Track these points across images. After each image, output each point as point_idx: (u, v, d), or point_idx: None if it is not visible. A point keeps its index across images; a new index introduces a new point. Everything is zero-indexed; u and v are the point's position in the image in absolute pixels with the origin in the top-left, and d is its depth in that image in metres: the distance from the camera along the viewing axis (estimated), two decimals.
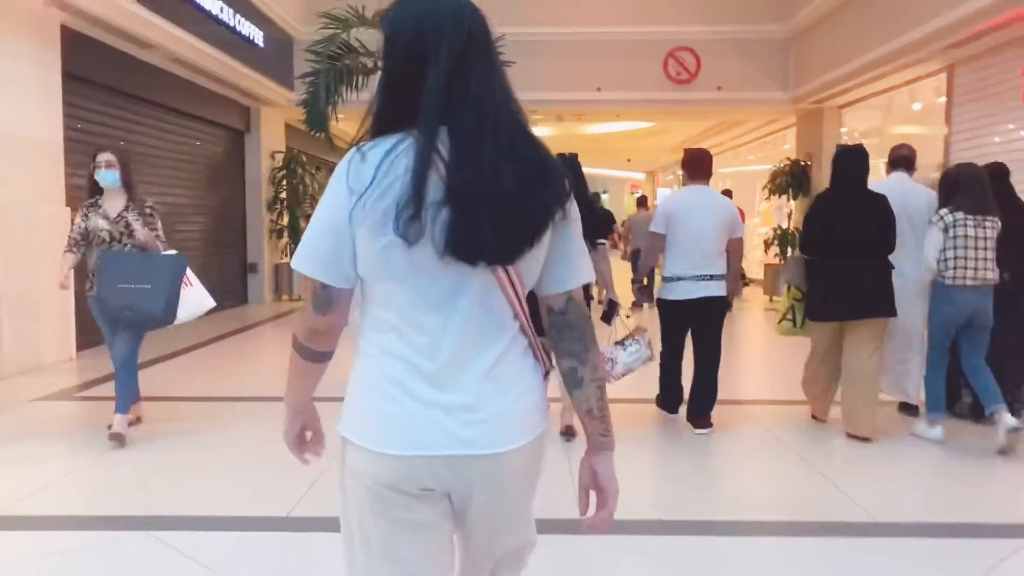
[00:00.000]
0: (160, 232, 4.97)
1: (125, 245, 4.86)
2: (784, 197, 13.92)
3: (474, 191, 1.32)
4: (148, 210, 4.95)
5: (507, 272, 1.40)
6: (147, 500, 3.93)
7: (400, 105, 1.39)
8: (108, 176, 4.87)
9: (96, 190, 4.96)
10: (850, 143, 7.22)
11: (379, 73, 1.42)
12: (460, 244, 1.33)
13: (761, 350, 9.47)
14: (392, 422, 1.40)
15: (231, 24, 10.54)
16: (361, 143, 1.40)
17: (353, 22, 10.24)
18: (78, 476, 4.32)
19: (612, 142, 21.49)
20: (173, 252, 4.98)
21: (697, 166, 5.27)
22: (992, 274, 4.78)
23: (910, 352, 5.42)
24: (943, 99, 10.16)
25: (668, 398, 5.46)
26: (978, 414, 5.25)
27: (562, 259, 1.48)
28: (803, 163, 13.46)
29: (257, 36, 11.37)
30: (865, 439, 4.98)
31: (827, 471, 4.47)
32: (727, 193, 13.65)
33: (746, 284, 15.70)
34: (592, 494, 1.55)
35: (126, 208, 4.91)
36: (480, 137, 1.34)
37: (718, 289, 5.06)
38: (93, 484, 4.24)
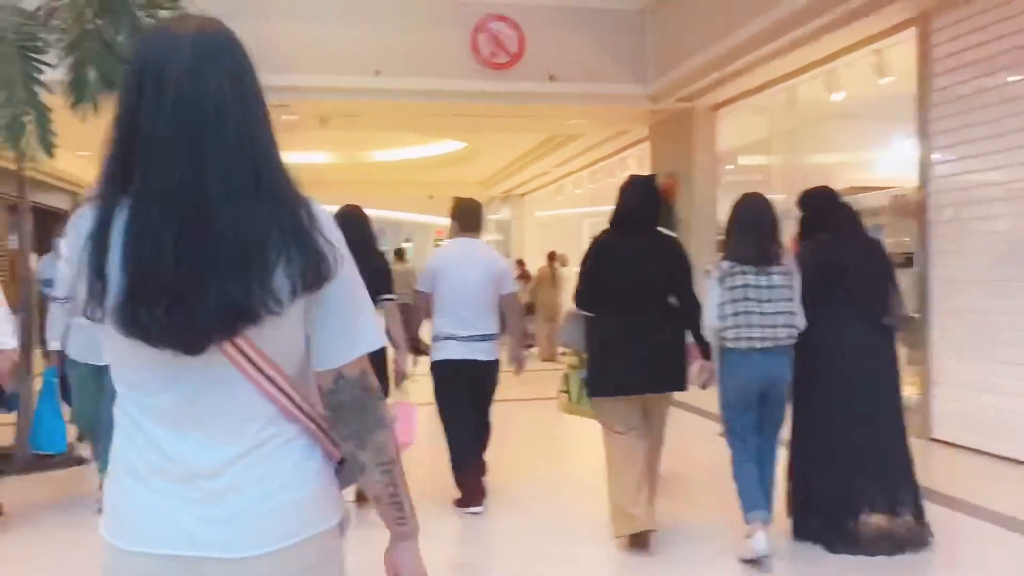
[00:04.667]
0: None
1: None
2: None
3: (147, 271, 1.17)
4: None
5: (240, 350, 1.22)
6: None
7: (124, 154, 1.22)
8: None
9: None
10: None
11: None
12: (132, 328, 1.19)
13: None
14: (125, 513, 1.29)
15: None
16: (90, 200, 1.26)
17: None
18: None
19: (410, 173, 17.39)
20: None
21: (469, 217, 5.05)
22: (785, 332, 3.95)
23: None
24: (888, 79, 6.81)
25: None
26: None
27: (325, 331, 1.29)
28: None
29: None
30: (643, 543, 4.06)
31: None
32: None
33: (531, 346, 12.13)
34: None
35: None
36: (177, 205, 1.18)
37: (489, 352, 4.83)
38: None
